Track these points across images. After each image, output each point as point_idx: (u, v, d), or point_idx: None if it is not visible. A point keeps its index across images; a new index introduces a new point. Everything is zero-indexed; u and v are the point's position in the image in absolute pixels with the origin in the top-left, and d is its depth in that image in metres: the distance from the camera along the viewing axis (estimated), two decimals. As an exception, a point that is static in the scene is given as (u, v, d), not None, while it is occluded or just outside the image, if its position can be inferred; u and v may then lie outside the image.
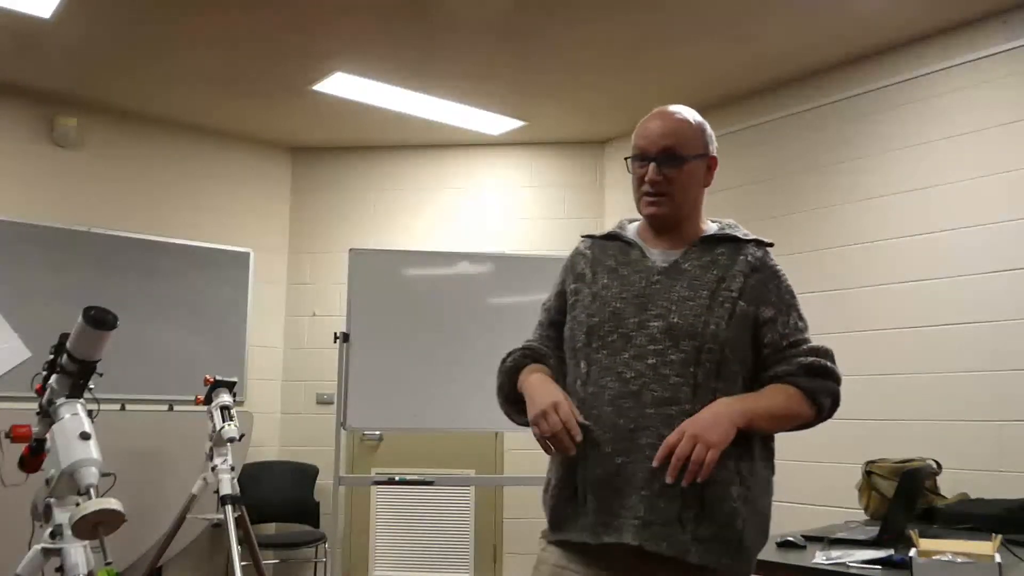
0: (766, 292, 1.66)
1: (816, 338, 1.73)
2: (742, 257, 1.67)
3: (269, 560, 4.87)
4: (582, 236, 1.84)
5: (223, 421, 3.83)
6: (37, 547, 2.25)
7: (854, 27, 3.76)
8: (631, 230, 1.77)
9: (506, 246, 5.20)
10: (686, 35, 3.84)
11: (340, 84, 4.40)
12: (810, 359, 1.64)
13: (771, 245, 1.74)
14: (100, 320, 2.32)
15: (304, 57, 4.10)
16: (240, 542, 3.61)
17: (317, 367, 5.27)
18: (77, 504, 2.12)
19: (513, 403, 1.74)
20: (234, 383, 4.06)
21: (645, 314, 1.60)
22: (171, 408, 4.71)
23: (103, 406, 2.48)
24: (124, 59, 4.15)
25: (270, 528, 5.05)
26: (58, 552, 2.20)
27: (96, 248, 4.68)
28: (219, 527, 4.67)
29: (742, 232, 1.72)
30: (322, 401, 5.26)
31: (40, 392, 2.46)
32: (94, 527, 2.07)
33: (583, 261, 1.75)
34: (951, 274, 3.62)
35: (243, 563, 3.58)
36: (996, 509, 2.96)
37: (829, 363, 1.67)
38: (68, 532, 2.15)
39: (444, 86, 4.45)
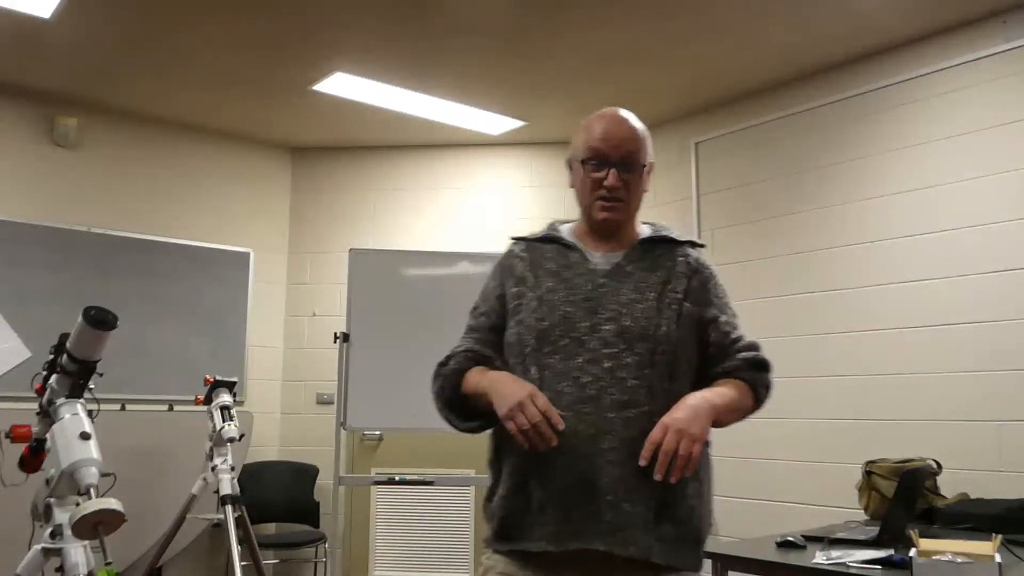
0: (707, 293, 1.70)
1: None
2: (681, 259, 1.71)
3: (269, 560, 4.87)
4: (512, 238, 1.81)
5: (223, 421, 3.83)
6: (37, 547, 2.25)
7: (854, 27, 3.76)
8: (567, 231, 1.76)
9: (505, 246, 5.20)
10: (686, 35, 3.84)
11: (340, 84, 4.40)
12: (751, 354, 1.69)
13: (703, 246, 1.80)
14: (100, 320, 2.32)
15: (304, 57, 4.11)
16: (240, 542, 3.61)
17: (317, 367, 5.28)
18: (77, 504, 2.12)
19: (454, 408, 1.67)
20: (234, 383, 4.06)
21: (596, 317, 1.60)
22: (171, 408, 4.71)
23: (103, 406, 2.48)
24: (124, 59, 4.15)
25: (270, 528, 5.05)
26: (58, 552, 2.21)
27: (96, 248, 4.68)
28: (219, 527, 4.67)
29: (676, 234, 1.76)
30: (322, 401, 5.26)
31: (40, 392, 2.46)
32: (94, 527, 2.07)
33: (521, 264, 1.72)
34: (951, 274, 3.62)
35: (243, 563, 3.57)
36: (996, 509, 2.96)
37: (765, 356, 1.71)
38: (68, 532, 2.15)
39: (444, 86, 4.45)
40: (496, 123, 4.99)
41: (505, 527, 1.59)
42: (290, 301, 5.45)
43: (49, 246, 4.51)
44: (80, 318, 2.33)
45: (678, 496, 1.55)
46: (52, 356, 2.45)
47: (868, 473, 3.40)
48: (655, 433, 1.49)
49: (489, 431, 1.69)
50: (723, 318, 1.69)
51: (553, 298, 1.63)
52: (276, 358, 5.36)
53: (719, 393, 1.60)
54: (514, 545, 1.58)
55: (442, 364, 1.70)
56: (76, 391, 2.40)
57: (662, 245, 1.72)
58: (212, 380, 4.03)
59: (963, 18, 3.66)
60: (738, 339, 1.69)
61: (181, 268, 4.96)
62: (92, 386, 2.45)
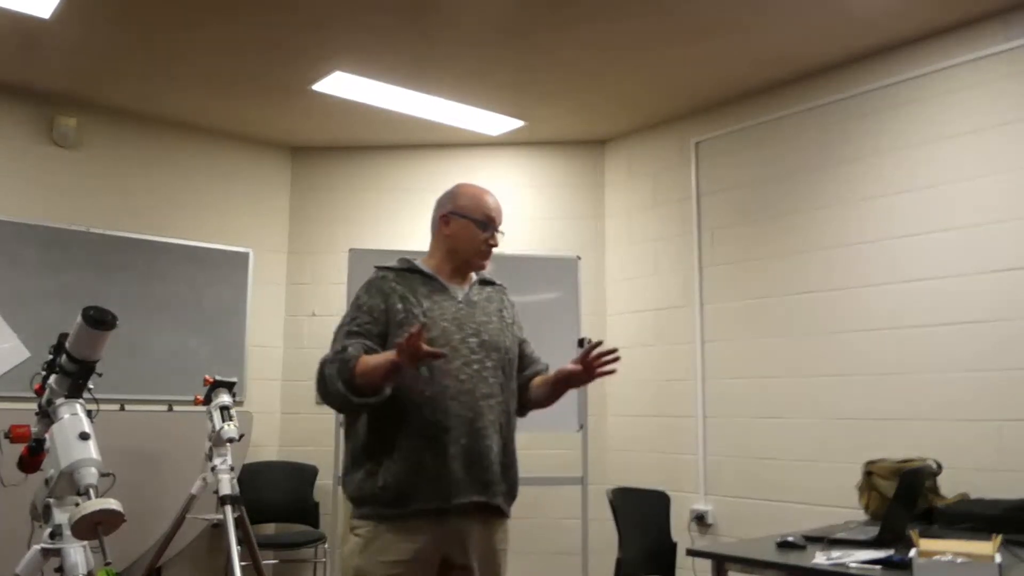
0: (519, 319, 2.37)
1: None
2: (502, 295, 2.35)
3: (269, 560, 4.87)
4: (379, 267, 2.24)
5: (223, 421, 3.83)
6: (36, 547, 2.25)
7: (854, 27, 3.76)
8: (423, 266, 2.24)
9: (506, 246, 5.18)
10: (686, 35, 3.84)
11: (340, 84, 4.40)
12: (545, 363, 2.37)
13: (504, 286, 2.40)
14: (99, 320, 2.32)
15: (303, 57, 4.10)
16: (240, 542, 3.61)
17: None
18: (76, 504, 2.12)
19: (349, 384, 2.00)
20: (234, 383, 4.06)
21: (462, 332, 2.14)
22: (171, 408, 4.71)
23: (102, 406, 2.48)
24: (124, 59, 4.15)
25: (269, 528, 5.05)
26: (58, 552, 2.20)
27: (96, 248, 4.68)
28: (218, 527, 4.67)
29: (491, 277, 2.37)
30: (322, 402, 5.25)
31: (39, 392, 2.46)
32: (94, 527, 2.07)
33: (399, 287, 2.15)
34: (951, 274, 3.62)
35: (243, 563, 3.57)
36: (996, 509, 2.96)
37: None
38: (67, 532, 2.15)
39: (443, 86, 4.45)
40: (495, 123, 4.99)
41: (401, 495, 2.01)
42: (290, 301, 5.45)
43: (49, 246, 4.51)
44: (79, 318, 2.32)
45: (512, 460, 2.18)
46: (51, 356, 2.44)
47: (868, 473, 3.40)
48: (569, 368, 2.13)
49: (365, 424, 2.10)
50: (527, 339, 2.37)
51: (433, 315, 2.12)
52: (276, 358, 5.36)
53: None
54: (406, 508, 2.00)
55: (337, 353, 2.05)
56: (75, 391, 2.39)
57: (488, 285, 2.34)
58: (212, 380, 4.03)
59: (963, 18, 3.66)
60: (533, 351, 2.36)
61: (181, 268, 4.96)
62: (91, 386, 2.45)
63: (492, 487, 2.09)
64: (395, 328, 2.09)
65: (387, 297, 2.13)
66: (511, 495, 2.17)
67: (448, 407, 2.05)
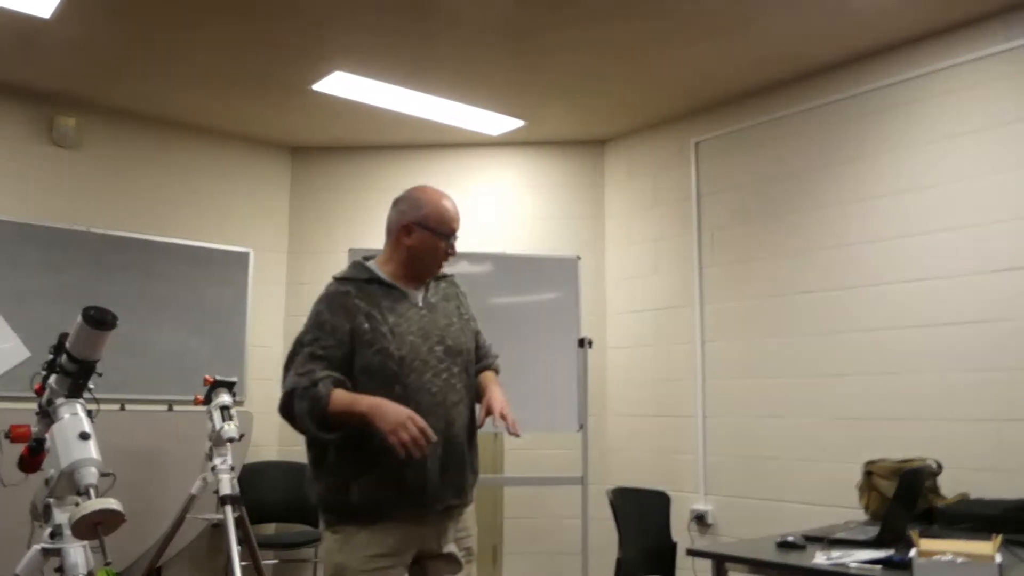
0: (471, 311, 2.37)
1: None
2: (454, 289, 2.36)
3: (269, 560, 4.86)
4: (337, 279, 2.22)
5: (223, 421, 3.83)
6: (36, 547, 2.25)
7: (854, 27, 3.76)
8: (380, 273, 2.23)
9: (506, 246, 5.20)
10: (686, 35, 3.84)
11: (339, 83, 4.40)
12: (496, 354, 2.43)
13: (453, 276, 2.41)
14: (99, 320, 2.32)
15: (303, 56, 4.10)
16: (240, 542, 3.61)
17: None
18: (76, 504, 2.12)
19: (320, 422, 2.03)
20: (234, 383, 4.06)
21: (428, 342, 2.16)
22: (171, 408, 4.71)
23: (102, 406, 2.48)
24: (124, 59, 4.15)
25: (270, 528, 5.05)
26: (58, 552, 2.20)
27: (96, 248, 4.67)
28: (219, 527, 4.67)
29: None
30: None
31: (39, 392, 2.46)
32: (94, 527, 2.07)
33: (363, 304, 2.13)
34: (951, 274, 3.62)
35: (243, 563, 3.57)
36: (996, 509, 2.96)
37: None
38: (68, 532, 2.15)
39: (443, 86, 4.45)
40: (495, 123, 4.99)
41: (378, 509, 2.04)
42: (290, 301, 5.44)
43: (49, 246, 4.51)
44: (79, 318, 2.33)
45: (476, 452, 2.26)
46: (51, 356, 2.44)
47: (868, 473, 3.40)
48: (497, 404, 2.17)
49: (332, 439, 2.08)
50: (480, 329, 2.39)
51: (400, 330, 2.12)
52: (276, 358, 5.35)
53: (496, 380, 2.34)
54: (384, 518, 2.04)
55: (307, 387, 2.04)
56: (75, 391, 2.39)
57: (439, 280, 2.33)
58: (212, 380, 4.03)
59: (963, 18, 3.66)
60: (485, 341, 2.41)
61: (181, 268, 4.95)
62: (91, 386, 2.45)
63: (464, 487, 2.19)
64: (363, 348, 2.09)
65: (352, 316, 2.11)
66: (475, 482, 2.26)
67: (426, 422, 2.05)
